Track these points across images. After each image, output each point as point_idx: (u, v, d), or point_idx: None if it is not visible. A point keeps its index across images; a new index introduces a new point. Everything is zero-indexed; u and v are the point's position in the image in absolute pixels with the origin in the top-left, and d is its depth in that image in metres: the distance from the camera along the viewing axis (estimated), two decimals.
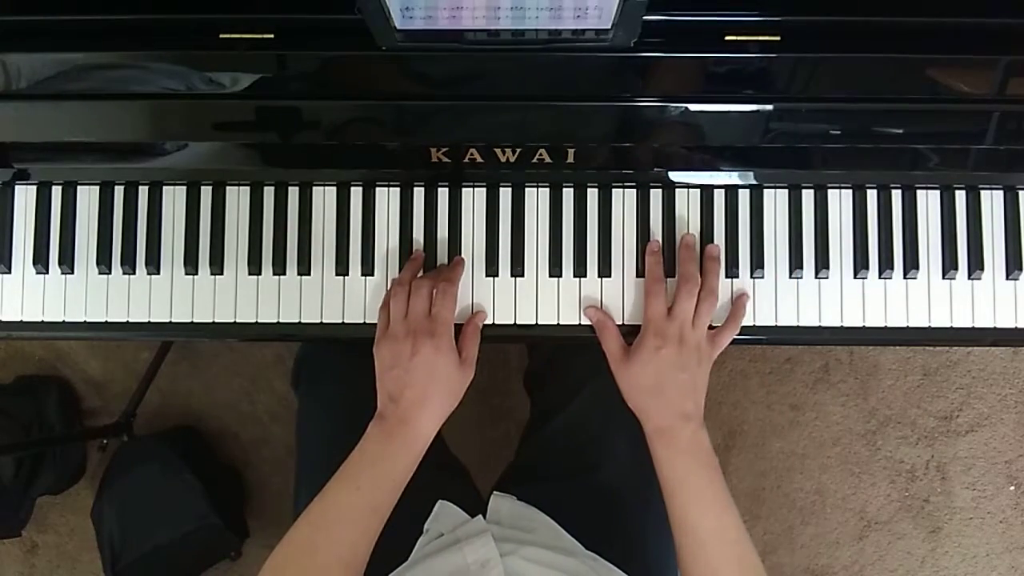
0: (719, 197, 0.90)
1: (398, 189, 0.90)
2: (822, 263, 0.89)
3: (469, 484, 1.05)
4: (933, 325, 0.90)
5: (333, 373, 1.05)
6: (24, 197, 0.91)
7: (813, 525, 1.68)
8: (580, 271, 0.89)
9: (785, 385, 1.68)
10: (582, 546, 0.87)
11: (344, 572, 0.76)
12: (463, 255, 0.90)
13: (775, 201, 0.90)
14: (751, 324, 0.89)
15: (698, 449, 0.81)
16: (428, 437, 0.82)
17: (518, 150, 0.84)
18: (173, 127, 0.84)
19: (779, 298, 0.90)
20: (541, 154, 0.84)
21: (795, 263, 0.89)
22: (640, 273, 0.89)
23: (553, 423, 1.04)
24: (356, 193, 0.90)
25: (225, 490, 1.59)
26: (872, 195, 0.90)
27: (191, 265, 0.90)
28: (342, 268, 0.90)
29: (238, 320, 0.90)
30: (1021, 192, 0.90)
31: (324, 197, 0.90)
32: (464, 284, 0.89)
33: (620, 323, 0.89)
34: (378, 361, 0.84)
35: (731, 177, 0.89)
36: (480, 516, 0.88)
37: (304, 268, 0.90)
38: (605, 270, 0.89)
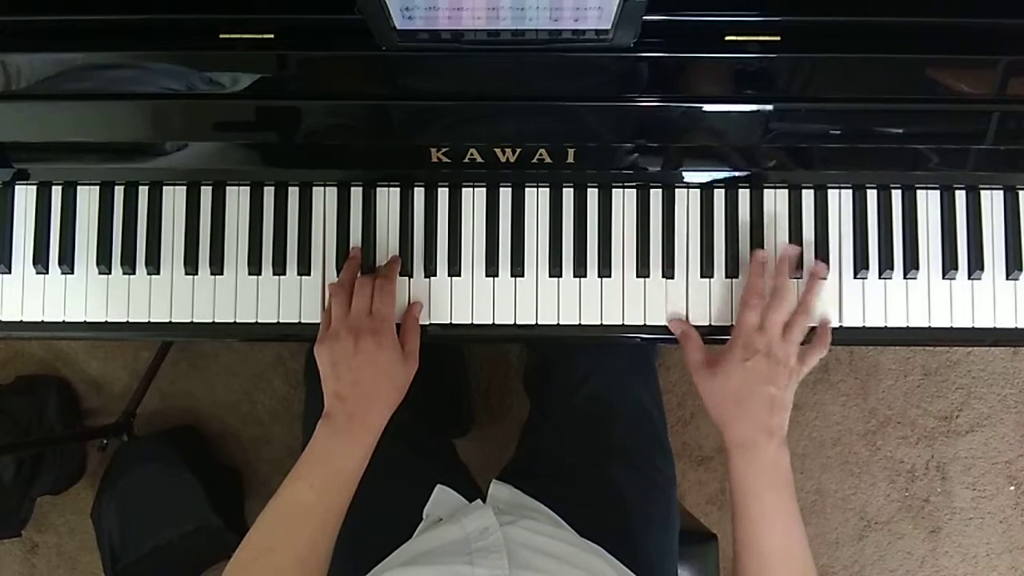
0: (719, 197, 0.90)
1: (398, 189, 0.90)
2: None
3: (471, 481, 1.05)
4: (933, 325, 0.90)
5: None
6: (24, 197, 0.91)
7: (813, 525, 1.68)
8: (580, 271, 0.89)
9: None
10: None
11: (302, 571, 0.76)
12: (463, 255, 0.90)
13: (775, 201, 0.90)
14: None
15: (777, 468, 0.79)
16: (377, 431, 0.82)
17: (518, 150, 0.84)
18: (173, 127, 0.84)
19: None
20: (541, 154, 0.84)
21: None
22: (640, 274, 0.89)
23: (552, 421, 1.04)
24: (356, 193, 0.90)
25: (225, 490, 1.59)
26: (872, 195, 0.90)
27: (191, 265, 0.90)
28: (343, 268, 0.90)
29: (238, 320, 0.90)
30: (1021, 192, 0.90)
31: (324, 197, 0.90)
32: (464, 284, 0.89)
33: (621, 323, 0.89)
34: (320, 361, 0.84)
35: (731, 177, 0.89)
36: (479, 500, 0.88)
37: (304, 268, 0.90)
38: (605, 270, 0.89)
